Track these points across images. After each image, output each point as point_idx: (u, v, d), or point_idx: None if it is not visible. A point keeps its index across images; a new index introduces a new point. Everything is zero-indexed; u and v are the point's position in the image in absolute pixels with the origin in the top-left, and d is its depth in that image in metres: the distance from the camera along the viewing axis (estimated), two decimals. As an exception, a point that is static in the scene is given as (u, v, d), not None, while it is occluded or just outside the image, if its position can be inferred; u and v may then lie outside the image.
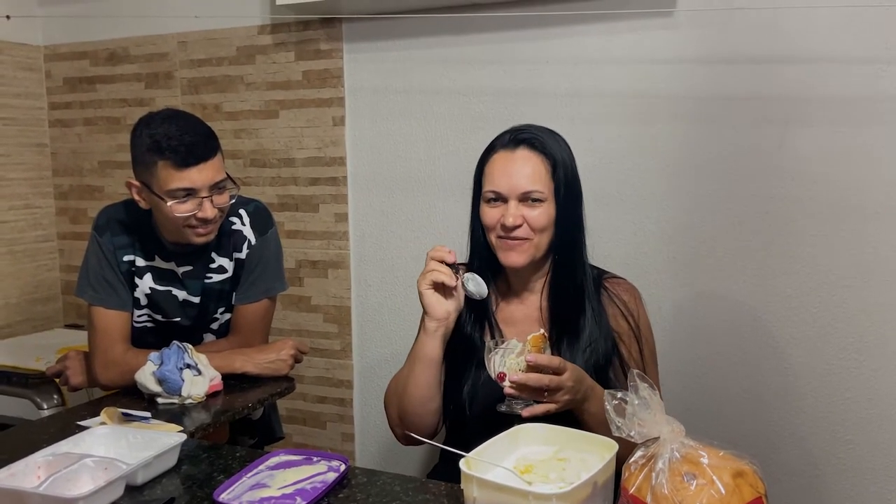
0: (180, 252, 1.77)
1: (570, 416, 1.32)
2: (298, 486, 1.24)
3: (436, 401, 1.47)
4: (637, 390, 0.94)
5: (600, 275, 1.54)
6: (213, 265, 1.79)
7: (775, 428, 1.91)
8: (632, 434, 0.93)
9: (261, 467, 1.32)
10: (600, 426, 1.34)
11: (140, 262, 1.76)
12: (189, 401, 1.67)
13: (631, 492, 0.94)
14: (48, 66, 2.85)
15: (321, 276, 2.51)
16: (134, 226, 1.76)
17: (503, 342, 1.31)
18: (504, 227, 1.42)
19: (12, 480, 1.16)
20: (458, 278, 1.38)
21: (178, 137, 1.59)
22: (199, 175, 1.61)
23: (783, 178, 1.86)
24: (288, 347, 1.83)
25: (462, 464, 1.00)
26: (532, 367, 1.24)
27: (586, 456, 1.05)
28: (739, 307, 1.91)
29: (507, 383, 1.26)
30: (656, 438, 0.95)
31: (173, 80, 2.63)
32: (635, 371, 0.99)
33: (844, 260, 1.83)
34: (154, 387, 1.66)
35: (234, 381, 1.80)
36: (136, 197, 1.68)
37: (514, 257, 1.45)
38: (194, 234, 1.67)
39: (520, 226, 1.42)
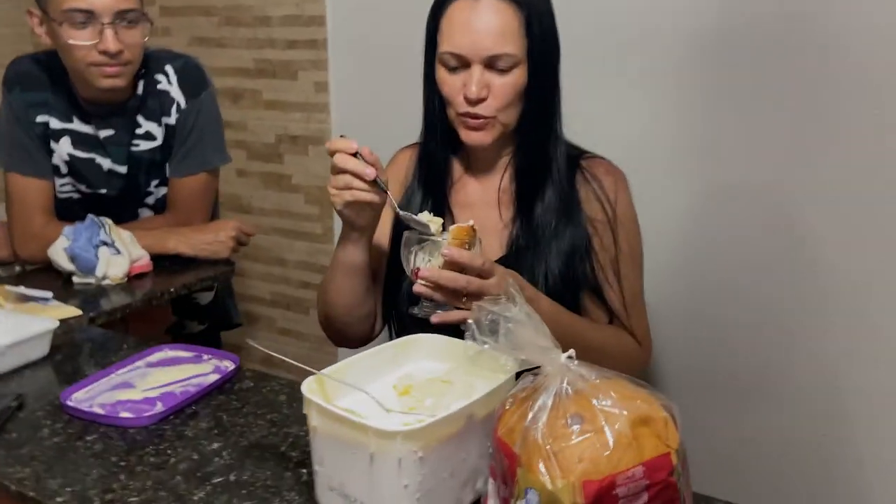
0: (99, 113, 1.56)
1: None
2: (168, 388, 1.07)
3: (364, 307, 1.25)
4: (514, 302, 0.69)
5: (578, 154, 1.26)
6: (140, 130, 1.58)
7: (777, 356, 1.62)
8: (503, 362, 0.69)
9: (139, 363, 1.15)
10: None
11: (55, 123, 1.57)
12: (106, 282, 1.50)
13: (499, 433, 0.71)
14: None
15: (301, 153, 2.28)
16: (47, 81, 1.55)
17: (429, 235, 1.06)
18: (467, 100, 1.14)
19: None
20: (384, 192, 1.07)
21: None
22: None
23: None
24: (228, 229, 1.64)
25: (305, 385, 0.79)
26: (450, 264, 1.00)
27: (476, 381, 0.82)
28: (762, 208, 1.59)
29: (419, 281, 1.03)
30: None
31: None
32: (510, 280, 0.74)
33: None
34: (66, 264, 1.50)
35: (167, 263, 1.63)
36: (37, 30, 1.46)
37: (477, 137, 1.18)
38: (100, 75, 1.44)
39: (484, 99, 1.14)
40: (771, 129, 1.53)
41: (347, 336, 1.28)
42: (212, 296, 1.81)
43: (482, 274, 1.00)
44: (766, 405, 1.60)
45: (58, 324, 1.18)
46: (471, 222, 1.05)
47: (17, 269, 1.66)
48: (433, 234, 1.05)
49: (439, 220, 1.07)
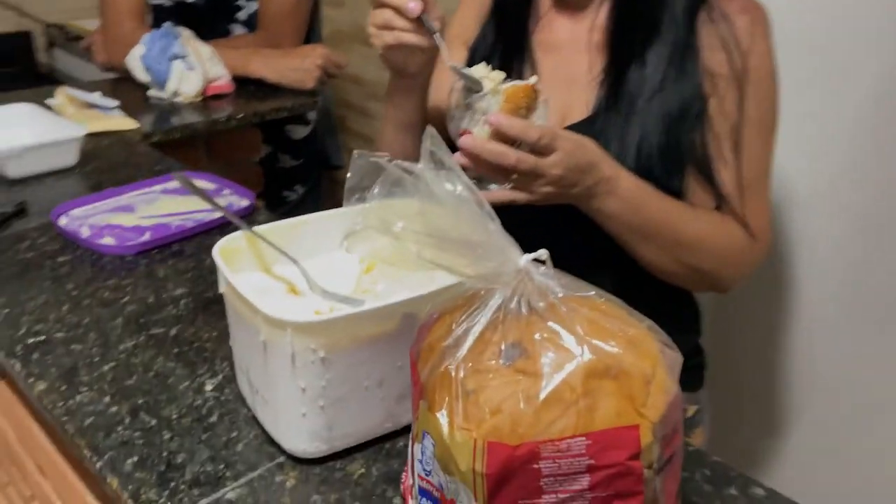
0: None
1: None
2: (167, 219, 0.96)
3: None
4: (432, 156, 0.46)
5: None
6: (227, -68, 1.43)
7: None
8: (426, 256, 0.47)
9: (155, 188, 1.05)
10: (631, 234, 0.86)
11: (144, -82, 1.45)
12: (179, 99, 1.42)
13: (417, 348, 0.51)
14: None
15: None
16: None
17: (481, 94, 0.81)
18: None
19: None
20: (432, 34, 0.83)
21: None
22: None
23: None
24: (316, 56, 1.48)
25: (223, 243, 0.62)
26: (497, 134, 0.76)
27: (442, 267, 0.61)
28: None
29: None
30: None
31: None
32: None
33: None
34: (141, 74, 1.42)
35: (252, 87, 1.51)
36: None
37: None
38: None
39: None
40: None
41: None
42: (307, 130, 1.69)
43: (538, 150, 0.75)
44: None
45: (84, 132, 1.10)
46: (532, 80, 0.79)
47: (114, 75, 1.63)
48: (486, 93, 0.80)
49: (500, 76, 0.82)
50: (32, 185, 1.05)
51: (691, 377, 1.01)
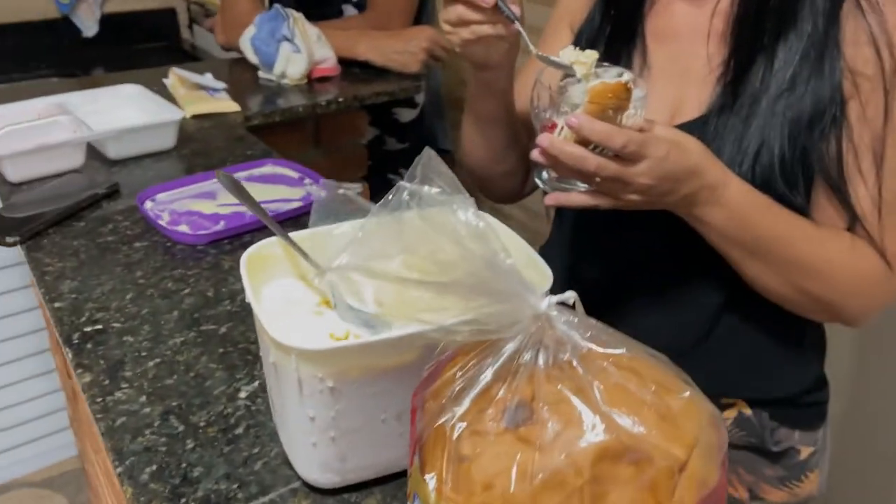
0: None
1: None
2: (241, 208, 0.96)
3: (504, 163, 0.96)
4: (430, 180, 0.40)
5: None
6: None
7: None
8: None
9: (240, 174, 1.05)
10: (737, 250, 0.76)
11: None
12: (285, 81, 1.42)
13: (422, 394, 0.45)
14: None
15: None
16: None
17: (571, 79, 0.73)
18: None
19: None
20: (512, 21, 0.76)
21: None
22: None
23: None
24: (422, 38, 1.43)
25: (247, 258, 0.58)
26: (580, 137, 0.68)
27: (474, 288, 0.55)
28: None
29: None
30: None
31: None
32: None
33: None
34: (252, 56, 1.43)
35: (357, 70, 1.49)
36: None
37: None
38: None
39: None
40: None
41: (489, 191, 1.04)
42: (415, 114, 1.66)
43: (625, 157, 0.67)
44: None
45: (180, 116, 1.11)
46: (625, 78, 0.69)
47: (235, 55, 1.66)
48: (579, 79, 0.72)
49: (592, 56, 0.73)
50: (129, 167, 1.08)
51: (810, 414, 0.88)
